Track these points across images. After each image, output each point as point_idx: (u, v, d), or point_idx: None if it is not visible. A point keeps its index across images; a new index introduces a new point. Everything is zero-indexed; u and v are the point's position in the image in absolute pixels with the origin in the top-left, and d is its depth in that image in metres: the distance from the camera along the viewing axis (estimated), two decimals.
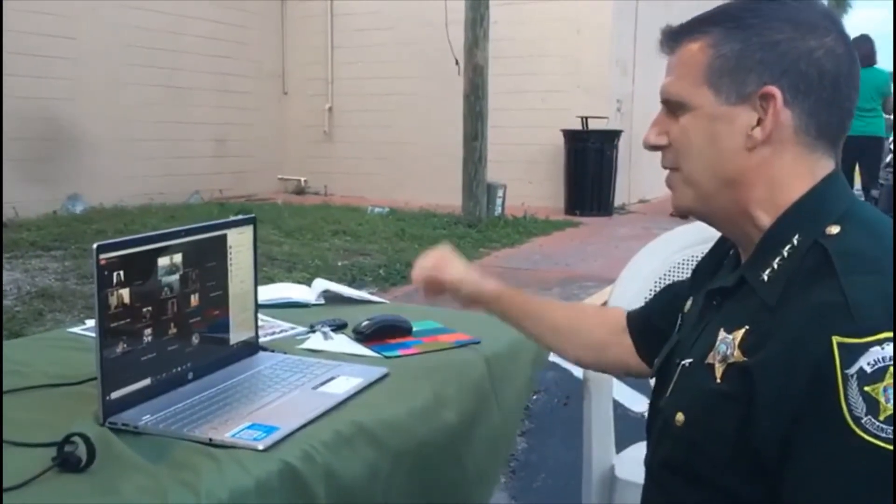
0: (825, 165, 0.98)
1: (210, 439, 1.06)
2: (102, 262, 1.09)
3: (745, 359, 0.91)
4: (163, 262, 1.20)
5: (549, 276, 6.01)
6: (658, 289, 1.87)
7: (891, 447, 0.80)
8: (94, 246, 1.09)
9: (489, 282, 1.42)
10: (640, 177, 10.06)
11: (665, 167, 1.05)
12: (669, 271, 1.86)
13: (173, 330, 1.22)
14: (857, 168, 8.13)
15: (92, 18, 8.45)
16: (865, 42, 7.90)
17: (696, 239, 1.78)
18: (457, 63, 8.00)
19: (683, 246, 1.85)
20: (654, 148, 1.05)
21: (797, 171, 0.97)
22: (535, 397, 3.44)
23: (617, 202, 9.64)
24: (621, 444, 1.82)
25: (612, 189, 9.41)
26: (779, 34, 0.95)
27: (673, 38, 1.02)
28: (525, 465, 2.92)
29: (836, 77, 0.95)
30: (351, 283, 5.17)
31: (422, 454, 1.24)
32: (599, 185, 9.32)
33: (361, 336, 1.55)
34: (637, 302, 1.88)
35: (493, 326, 1.71)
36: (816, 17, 0.96)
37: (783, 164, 0.97)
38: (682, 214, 1.07)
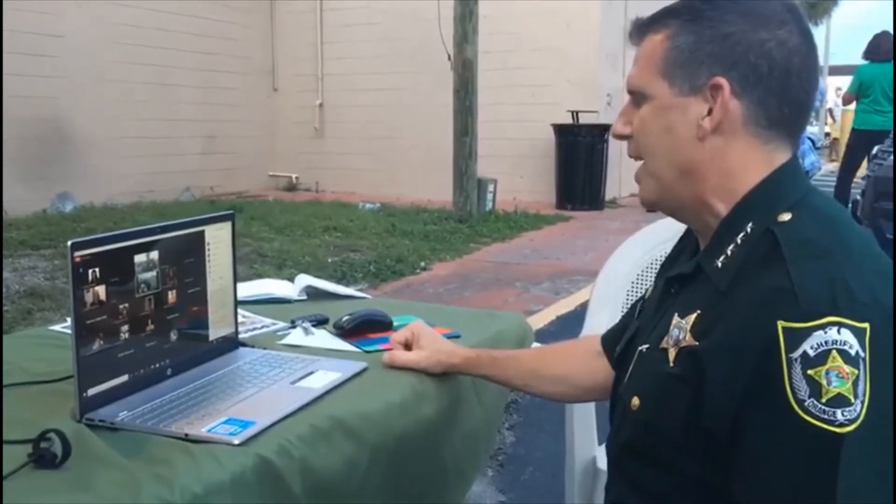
0: (782, 155, 1.00)
1: (186, 434, 1.06)
2: (77, 260, 1.09)
3: (696, 342, 0.93)
4: (139, 259, 1.20)
5: (540, 270, 6.03)
6: (639, 283, 1.89)
7: (833, 428, 0.82)
8: (69, 243, 1.09)
9: (458, 352, 1.40)
10: (630, 171, 9.97)
11: (630, 156, 1.08)
12: (651, 265, 1.87)
13: (151, 326, 1.23)
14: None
15: (79, 15, 8.43)
16: (886, 38, 7.86)
17: (676, 232, 1.79)
18: (449, 58, 7.98)
19: (665, 239, 1.85)
20: (620, 137, 1.07)
21: (750, 160, 0.99)
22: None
23: (608, 196, 9.67)
24: (603, 436, 1.83)
25: (602, 183, 9.44)
26: (731, 26, 0.97)
27: (640, 29, 1.04)
28: (513, 459, 2.94)
29: (787, 68, 0.97)
30: (341, 279, 5.17)
31: (399, 448, 1.25)
32: (590, 179, 9.34)
33: (342, 331, 1.55)
34: (618, 297, 1.90)
35: (475, 321, 1.73)
36: (773, 9, 0.98)
37: (735, 153, 0.99)
38: (650, 209, 1.09)
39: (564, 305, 5.01)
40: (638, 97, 1.04)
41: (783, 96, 0.98)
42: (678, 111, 1.00)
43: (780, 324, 0.84)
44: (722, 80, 0.97)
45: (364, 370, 1.36)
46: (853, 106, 8.32)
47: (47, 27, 8.10)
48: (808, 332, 0.83)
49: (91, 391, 1.12)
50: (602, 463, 1.77)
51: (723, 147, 0.99)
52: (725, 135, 0.98)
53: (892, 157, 6.04)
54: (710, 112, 0.98)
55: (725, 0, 0.99)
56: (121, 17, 8.86)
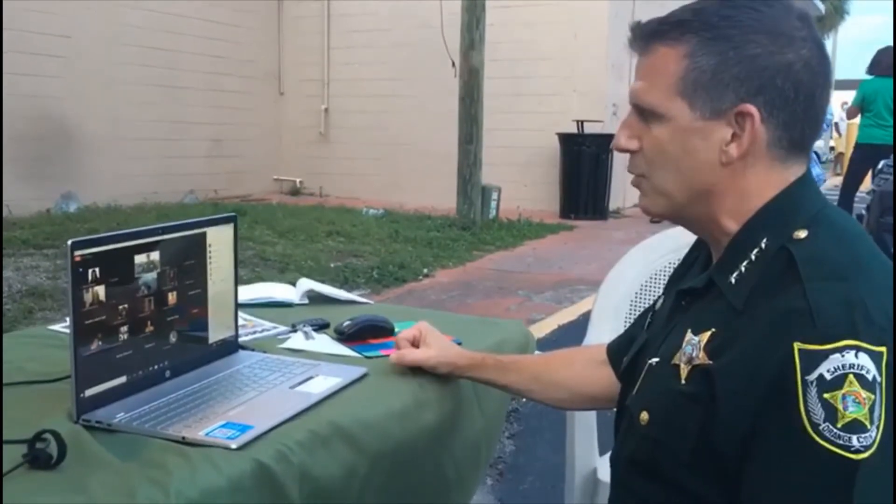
0: (797, 171, 0.98)
1: (183, 437, 1.05)
2: (77, 259, 1.08)
3: (710, 361, 0.91)
4: (140, 259, 1.19)
5: (543, 279, 6.02)
6: (643, 294, 1.88)
7: (847, 454, 0.80)
8: (69, 242, 1.08)
9: (464, 353, 1.40)
10: None
11: (632, 172, 1.05)
12: (654, 276, 1.86)
13: (150, 328, 1.22)
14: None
15: (87, 16, 8.44)
16: (889, 53, 7.82)
17: (680, 244, 1.78)
18: (453, 65, 7.98)
19: (668, 251, 1.84)
20: (624, 151, 1.04)
21: (768, 180, 0.97)
22: (523, 399, 3.44)
23: (612, 206, 9.65)
24: (604, 447, 1.81)
25: (607, 193, 9.42)
26: (756, 47, 0.93)
27: (645, 38, 1.00)
28: (513, 468, 2.92)
29: (811, 90, 0.95)
30: (343, 284, 5.16)
31: (399, 455, 1.24)
32: (594, 188, 9.33)
33: (343, 336, 1.54)
34: (621, 308, 1.88)
35: (477, 329, 1.72)
36: (794, 26, 0.95)
37: (755, 175, 0.97)
38: (653, 218, 1.07)
39: (567, 315, 4.99)
40: (647, 114, 0.99)
41: (806, 118, 0.95)
42: (699, 135, 0.96)
43: (797, 345, 0.83)
44: (751, 108, 0.93)
45: (364, 376, 1.34)
46: (858, 120, 8.30)
47: (55, 27, 8.11)
48: (824, 355, 0.82)
49: (88, 392, 1.11)
50: (602, 474, 1.76)
51: (743, 170, 0.96)
52: (748, 159, 0.96)
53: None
54: (733, 136, 0.95)
55: (745, 16, 0.94)
56: (128, 18, 8.88)
